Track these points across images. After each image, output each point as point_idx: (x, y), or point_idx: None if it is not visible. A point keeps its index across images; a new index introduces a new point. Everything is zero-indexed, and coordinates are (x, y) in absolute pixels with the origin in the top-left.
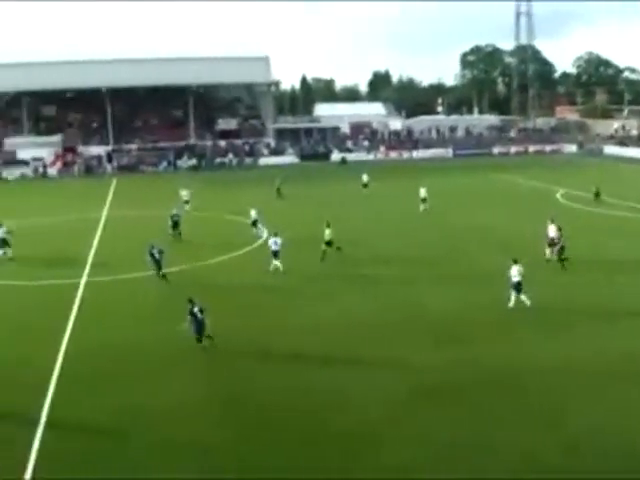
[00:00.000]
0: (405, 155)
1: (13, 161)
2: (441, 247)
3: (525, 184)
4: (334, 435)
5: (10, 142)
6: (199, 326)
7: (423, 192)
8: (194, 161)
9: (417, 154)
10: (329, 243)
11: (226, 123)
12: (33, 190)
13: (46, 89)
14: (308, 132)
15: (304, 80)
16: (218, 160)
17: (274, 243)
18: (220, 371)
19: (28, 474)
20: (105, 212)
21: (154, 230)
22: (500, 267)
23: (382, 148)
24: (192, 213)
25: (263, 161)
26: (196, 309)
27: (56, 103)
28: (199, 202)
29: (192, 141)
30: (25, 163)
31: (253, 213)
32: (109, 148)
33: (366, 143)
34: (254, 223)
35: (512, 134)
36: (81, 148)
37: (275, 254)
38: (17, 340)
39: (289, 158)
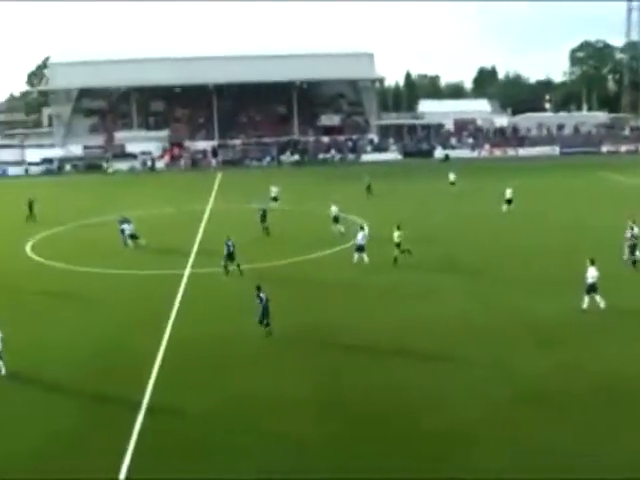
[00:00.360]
0: (510, 153)
1: (122, 154)
2: (534, 249)
3: (635, 184)
4: (427, 434)
5: (120, 136)
6: (264, 311)
7: (509, 193)
8: (297, 157)
9: (522, 152)
10: (398, 245)
11: (329, 119)
12: (141, 183)
13: (155, 85)
14: (411, 129)
15: (408, 76)
16: (321, 156)
17: (361, 237)
18: (317, 366)
19: (128, 454)
20: (210, 205)
21: (254, 223)
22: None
23: (486, 145)
24: (283, 209)
25: (366, 157)
26: (262, 295)
27: (164, 99)
28: (300, 197)
29: (295, 137)
30: (134, 156)
31: (334, 209)
32: (215, 143)
33: (470, 140)
34: (335, 219)
35: (626, 132)
36: (188, 143)
37: (360, 248)
38: (123, 327)
39: (392, 155)
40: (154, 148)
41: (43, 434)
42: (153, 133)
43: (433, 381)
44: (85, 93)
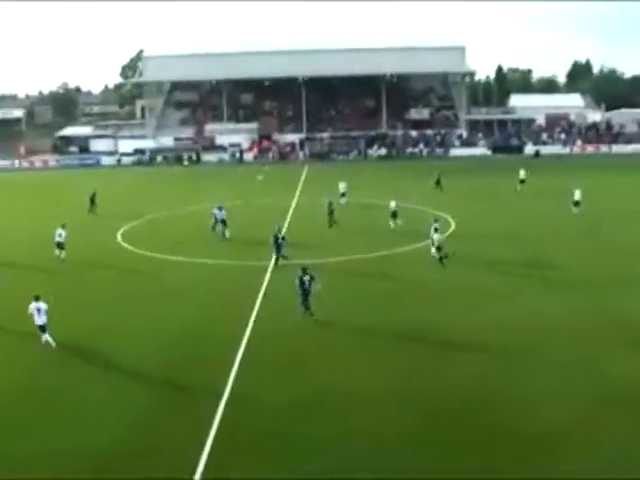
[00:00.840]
0: (603, 149)
1: (212, 146)
2: (624, 246)
3: None
4: (511, 434)
5: (210, 128)
6: (305, 293)
7: (577, 194)
8: (384, 150)
9: (616, 149)
10: (439, 249)
11: (418, 113)
12: (229, 174)
13: (245, 78)
14: (502, 124)
15: (500, 70)
16: (409, 150)
17: (434, 232)
18: (397, 361)
19: (208, 442)
20: (296, 198)
21: (339, 218)
22: None
23: (578, 142)
24: (369, 203)
25: (454, 152)
26: (306, 278)
27: (254, 92)
28: (385, 192)
29: (383, 130)
30: (223, 148)
31: (393, 204)
32: (302, 136)
33: (562, 136)
34: (394, 214)
35: None
36: (276, 135)
37: (438, 247)
38: (207, 316)
39: (480, 150)
40: (243, 140)
41: (124, 421)
42: (242, 125)
43: (517, 380)
44: (177, 86)
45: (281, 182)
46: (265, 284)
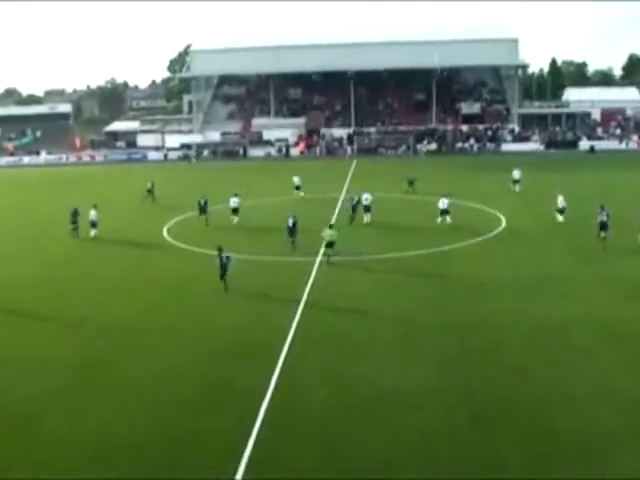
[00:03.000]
0: None
1: (259, 141)
2: None
3: None
4: (561, 435)
5: (257, 123)
6: (222, 269)
7: (560, 201)
8: (434, 145)
9: None
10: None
11: (469, 107)
12: (276, 169)
13: (293, 72)
14: (555, 118)
15: (554, 63)
16: (459, 145)
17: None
18: (458, 360)
19: (252, 436)
20: (343, 193)
21: (385, 213)
22: None
23: (635, 137)
24: (420, 200)
25: (505, 147)
26: (223, 255)
27: (302, 86)
28: (436, 187)
29: (433, 125)
30: (270, 143)
31: (444, 202)
32: (350, 130)
33: (618, 131)
34: (444, 212)
35: None
36: (324, 130)
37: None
38: (255, 314)
39: (533, 145)
40: (290, 135)
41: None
42: (290, 120)
43: (573, 385)
44: (224, 80)
45: (329, 177)
46: (312, 279)
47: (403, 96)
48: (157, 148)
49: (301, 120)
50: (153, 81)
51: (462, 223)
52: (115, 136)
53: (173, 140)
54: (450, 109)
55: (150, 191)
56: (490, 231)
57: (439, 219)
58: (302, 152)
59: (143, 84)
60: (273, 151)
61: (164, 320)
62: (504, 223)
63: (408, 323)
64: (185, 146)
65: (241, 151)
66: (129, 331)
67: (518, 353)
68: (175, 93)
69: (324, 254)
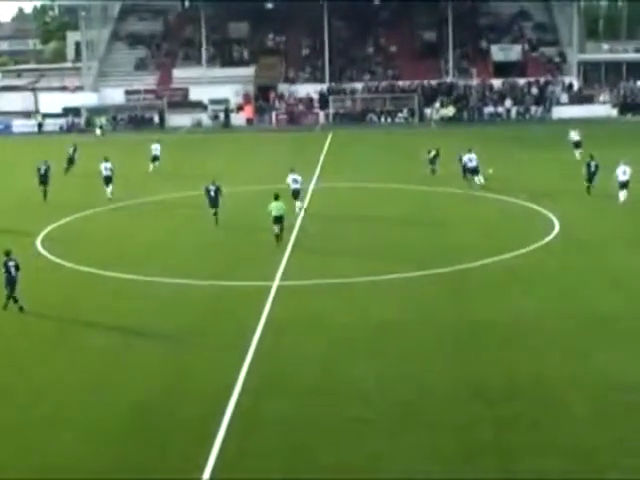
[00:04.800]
0: None
1: (184, 103)
2: None
3: None
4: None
5: (180, 75)
6: (10, 283)
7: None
8: (451, 110)
9: None
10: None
11: (503, 52)
12: (212, 147)
13: None
14: (634, 68)
15: None
16: (488, 109)
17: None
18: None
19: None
20: (313, 182)
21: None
22: None
23: None
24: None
25: (559, 113)
26: (11, 263)
27: (249, 17)
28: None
29: (449, 79)
30: (201, 106)
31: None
32: (324, 87)
33: None
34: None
35: None
36: (283, 86)
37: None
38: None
39: (600, 109)
40: (231, 94)
41: None
42: (231, 71)
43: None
44: (129, 9)
45: (291, 159)
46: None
47: (404, 34)
48: (27, 114)
49: (248, 71)
50: (20, 11)
51: (496, 226)
52: None
53: (52, 102)
54: (475, 55)
55: (71, 161)
56: (537, 239)
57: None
58: (250, 120)
59: (4, 17)
60: (205, 118)
61: None
62: (557, 226)
63: (414, 392)
64: (70, 111)
65: (156, 118)
66: None
67: (582, 433)
68: (54, 30)
69: (275, 234)
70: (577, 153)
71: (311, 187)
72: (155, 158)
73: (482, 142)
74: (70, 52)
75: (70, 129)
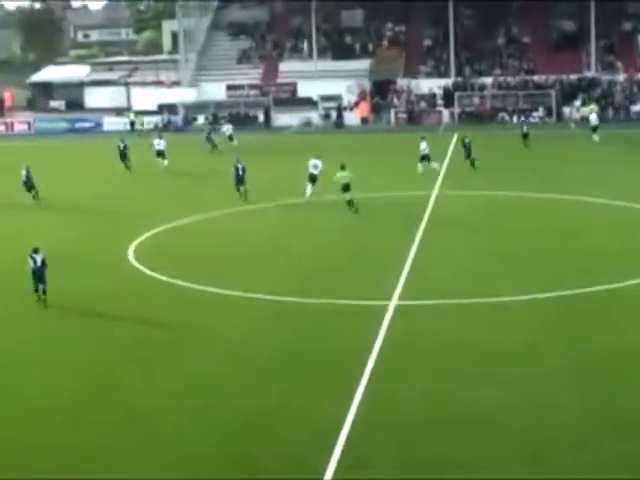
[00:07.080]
0: None
1: (291, 100)
2: None
3: None
4: None
5: (288, 69)
6: (35, 275)
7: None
8: (593, 109)
9: None
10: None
11: None
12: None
13: None
14: None
15: None
16: (636, 108)
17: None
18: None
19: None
20: (435, 190)
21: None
22: None
23: None
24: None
25: None
26: (37, 256)
27: (364, 7)
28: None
29: (591, 73)
30: (311, 103)
31: None
32: (449, 82)
33: None
34: None
35: None
36: (402, 81)
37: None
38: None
39: None
40: (344, 90)
41: None
42: (343, 64)
43: None
44: None
45: (409, 163)
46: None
47: (539, 23)
48: (118, 112)
49: (363, 64)
50: None
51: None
52: (48, 90)
53: (146, 98)
54: (621, 46)
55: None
56: None
57: None
58: (365, 119)
59: (95, 4)
60: (315, 117)
61: None
62: None
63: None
64: (165, 108)
65: (260, 117)
66: None
67: None
68: (148, 19)
69: (347, 201)
70: None
71: (433, 195)
72: (159, 153)
73: (630, 145)
74: (166, 43)
75: (166, 128)
